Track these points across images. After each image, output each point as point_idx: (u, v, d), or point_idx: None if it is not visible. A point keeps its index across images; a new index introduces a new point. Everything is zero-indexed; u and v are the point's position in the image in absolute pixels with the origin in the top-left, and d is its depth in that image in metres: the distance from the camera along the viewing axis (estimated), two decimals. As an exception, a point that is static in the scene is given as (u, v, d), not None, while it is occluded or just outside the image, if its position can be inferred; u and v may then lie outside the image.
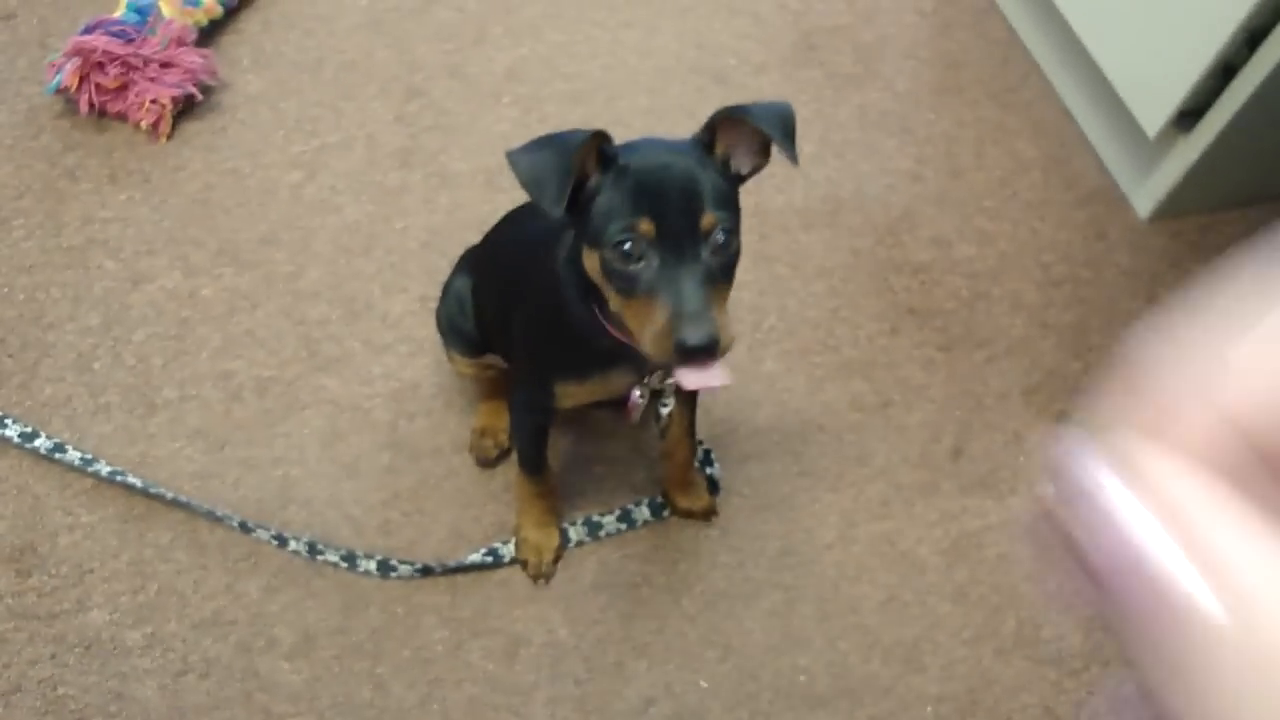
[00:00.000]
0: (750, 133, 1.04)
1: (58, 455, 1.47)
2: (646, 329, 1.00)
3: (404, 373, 1.60)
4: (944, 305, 1.76)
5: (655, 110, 1.94)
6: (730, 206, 1.02)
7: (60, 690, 1.35)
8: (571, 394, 1.25)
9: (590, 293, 1.10)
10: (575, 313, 1.14)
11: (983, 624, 1.49)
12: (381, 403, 1.58)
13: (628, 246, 0.98)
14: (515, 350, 1.33)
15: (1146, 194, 1.88)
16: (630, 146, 1.03)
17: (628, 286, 1.00)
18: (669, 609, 1.45)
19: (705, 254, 0.99)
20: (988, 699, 1.44)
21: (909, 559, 1.53)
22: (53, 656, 1.37)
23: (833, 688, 1.43)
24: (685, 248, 0.98)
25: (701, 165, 1.02)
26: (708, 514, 1.51)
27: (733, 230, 1.01)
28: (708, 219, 0.99)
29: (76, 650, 1.37)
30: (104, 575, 1.42)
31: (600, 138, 1.00)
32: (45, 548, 1.43)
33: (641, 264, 0.99)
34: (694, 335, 0.96)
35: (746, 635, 1.45)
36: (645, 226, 0.98)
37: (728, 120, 1.03)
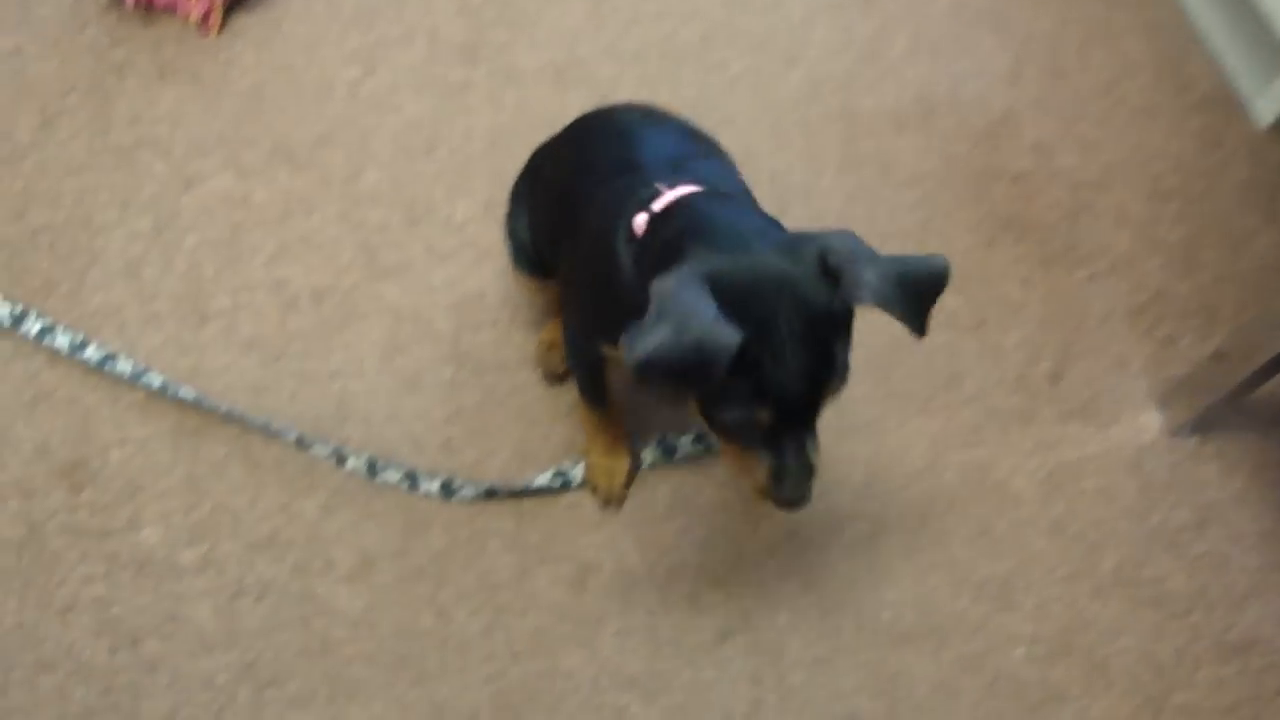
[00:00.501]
0: None
1: (108, 366, 1.40)
2: (743, 476, 1.00)
3: (468, 281, 1.51)
4: (1044, 218, 1.64)
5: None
6: (849, 340, 0.95)
7: (114, 610, 1.30)
8: (618, 358, 1.17)
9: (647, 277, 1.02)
10: (629, 290, 1.04)
11: (1079, 561, 1.40)
12: (444, 313, 1.49)
13: (740, 422, 0.94)
14: (564, 290, 1.24)
15: (1268, 100, 1.73)
16: (725, 272, 0.90)
17: (730, 438, 0.97)
18: (747, 538, 1.37)
19: (820, 412, 0.96)
20: (1083, 641, 1.35)
21: (1002, 490, 1.43)
22: (106, 575, 1.32)
23: (919, 624, 1.34)
24: (801, 414, 0.94)
25: (829, 317, 0.91)
26: None
27: (849, 368, 0.95)
28: (832, 390, 0.94)
29: (130, 569, 1.32)
30: (156, 492, 1.36)
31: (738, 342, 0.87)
32: (97, 463, 1.37)
33: (751, 426, 0.94)
34: (791, 493, 0.97)
35: (829, 567, 1.36)
36: (763, 417, 0.93)
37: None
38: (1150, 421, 1.49)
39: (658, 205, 1.03)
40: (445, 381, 1.43)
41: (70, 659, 1.27)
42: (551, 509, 1.37)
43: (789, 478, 0.96)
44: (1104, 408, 1.49)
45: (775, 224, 1.03)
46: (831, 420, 1.43)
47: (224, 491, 1.36)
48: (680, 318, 0.86)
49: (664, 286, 0.90)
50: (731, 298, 0.88)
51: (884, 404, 1.46)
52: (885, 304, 0.90)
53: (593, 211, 1.12)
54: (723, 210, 1.02)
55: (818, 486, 0.99)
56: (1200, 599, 1.38)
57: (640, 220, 1.03)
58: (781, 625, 1.33)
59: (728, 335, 0.86)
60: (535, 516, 1.36)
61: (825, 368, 0.91)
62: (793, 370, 0.90)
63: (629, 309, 1.03)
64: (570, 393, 1.44)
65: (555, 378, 1.44)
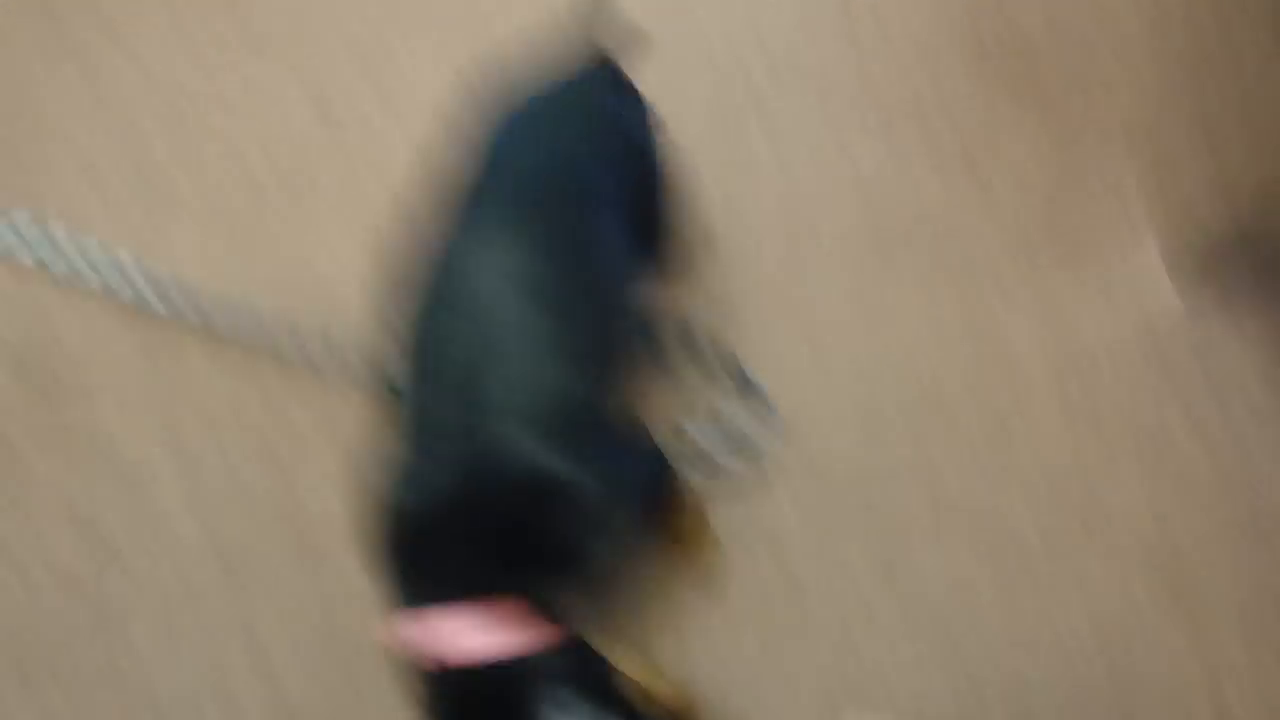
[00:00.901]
0: None
1: (57, 268, 1.30)
2: None
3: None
4: (1051, 81, 1.50)
5: None
6: None
7: (92, 521, 1.23)
8: None
9: None
10: None
11: (1094, 449, 1.35)
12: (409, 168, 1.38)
13: None
14: None
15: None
16: None
17: None
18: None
19: None
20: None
21: (1012, 373, 1.37)
22: (80, 483, 1.24)
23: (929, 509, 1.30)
24: None
25: None
26: None
27: None
28: None
29: (105, 477, 1.25)
30: (121, 389, 1.27)
31: None
32: (58, 363, 1.28)
33: None
34: None
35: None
36: None
37: None
38: (1167, 295, 1.42)
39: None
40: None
41: (42, 564, 1.22)
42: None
43: None
44: (1117, 281, 1.42)
45: None
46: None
47: (193, 385, 1.27)
48: None
49: None
50: None
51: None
52: None
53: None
54: None
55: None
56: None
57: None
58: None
59: None
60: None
61: None
62: None
63: None
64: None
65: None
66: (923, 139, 1.45)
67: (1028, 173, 1.46)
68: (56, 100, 1.39)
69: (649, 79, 1.11)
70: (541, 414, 0.88)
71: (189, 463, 1.26)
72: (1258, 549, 1.31)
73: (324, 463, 1.26)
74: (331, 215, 1.35)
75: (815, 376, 1.33)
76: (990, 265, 1.41)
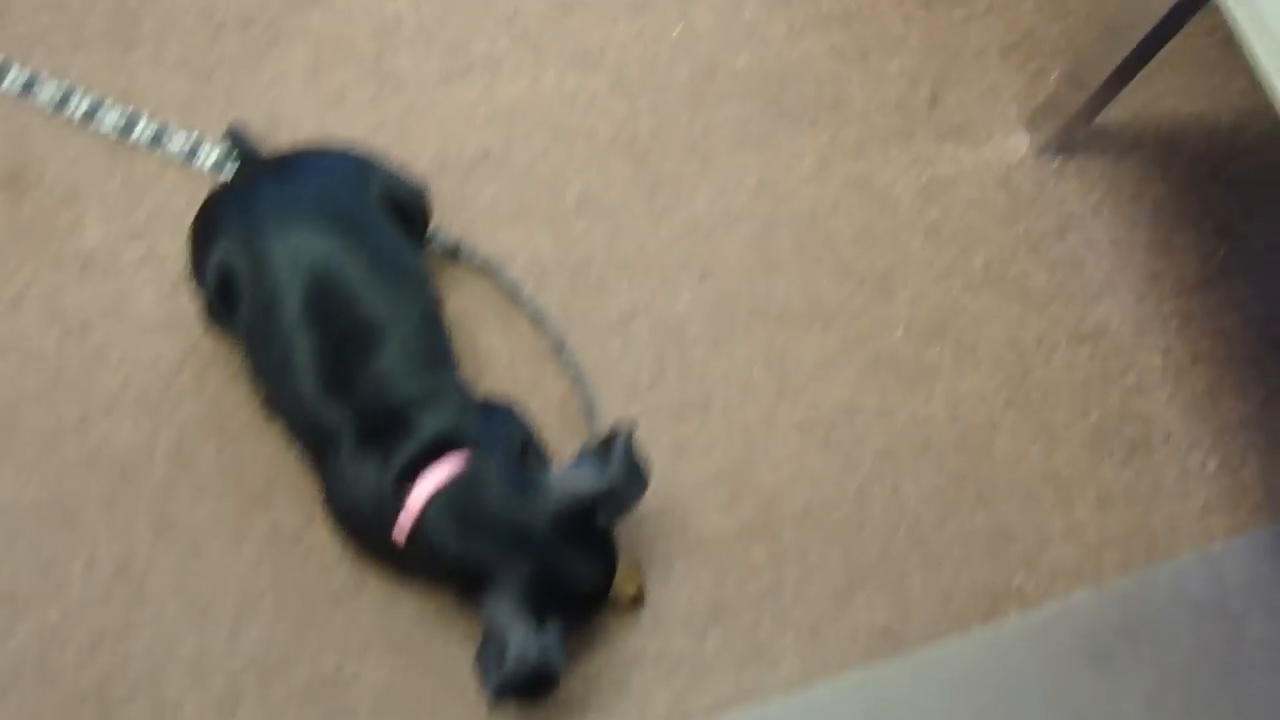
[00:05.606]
0: None
1: (29, 94, 1.48)
2: None
3: (386, 8, 1.59)
4: (925, -38, 1.75)
5: None
6: None
7: (61, 302, 1.39)
8: None
9: None
10: None
11: (952, 260, 1.54)
12: (366, 36, 1.57)
13: None
14: None
15: None
16: None
17: None
18: (648, 233, 1.49)
19: None
20: (955, 326, 1.50)
21: (883, 197, 1.56)
22: (52, 272, 1.40)
23: (807, 310, 1.48)
24: None
25: None
26: None
27: None
28: None
29: (74, 267, 1.41)
30: (96, 198, 1.44)
31: None
32: (35, 174, 1.44)
33: None
34: None
35: (725, 259, 1.49)
36: None
37: None
38: (1019, 143, 1.62)
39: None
40: (368, 99, 1.52)
41: (19, 348, 1.37)
42: (469, 207, 1.48)
43: None
44: (977, 130, 1.63)
45: None
46: (724, 135, 1.57)
47: (162, 194, 1.44)
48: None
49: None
50: None
51: (774, 122, 1.58)
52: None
53: None
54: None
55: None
56: (1059, 294, 1.54)
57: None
58: (682, 308, 1.46)
59: None
60: (455, 211, 1.47)
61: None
62: None
63: None
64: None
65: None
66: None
67: (899, 31, 1.67)
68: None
69: None
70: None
71: (149, 247, 1.42)
72: (1084, 349, 1.52)
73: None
74: (296, 68, 1.54)
75: (705, 185, 1.54)
76: (863, 107, 1.61)
